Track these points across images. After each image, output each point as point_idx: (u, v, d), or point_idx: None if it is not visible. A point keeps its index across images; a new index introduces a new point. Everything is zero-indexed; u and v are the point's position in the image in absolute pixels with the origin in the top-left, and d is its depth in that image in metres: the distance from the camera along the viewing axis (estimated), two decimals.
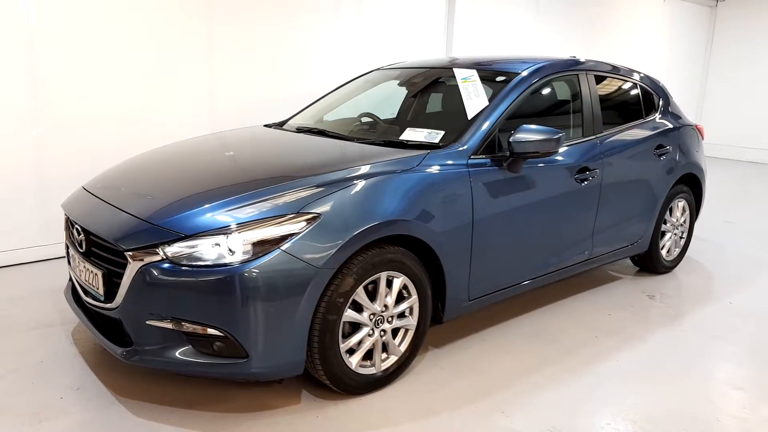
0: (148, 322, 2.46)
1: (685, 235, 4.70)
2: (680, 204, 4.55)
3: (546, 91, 3.69)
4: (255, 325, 2.40)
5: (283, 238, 2.42)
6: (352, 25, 5.85)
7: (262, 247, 2.39)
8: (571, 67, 3.76)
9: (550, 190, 3.39)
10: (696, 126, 4.71)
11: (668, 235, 4.52)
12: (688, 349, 3.41)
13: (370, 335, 2.74)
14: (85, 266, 2.74)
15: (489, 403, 2.77)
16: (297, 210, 2.48)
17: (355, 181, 2.66)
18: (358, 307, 2.68)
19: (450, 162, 2.98)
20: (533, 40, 7.74)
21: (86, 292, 2.79)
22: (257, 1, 5.15)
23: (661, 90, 4.52)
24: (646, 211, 4.16)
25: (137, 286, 2.44)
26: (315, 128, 3.63)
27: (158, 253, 2.41)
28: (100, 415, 2.57)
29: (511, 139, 3.10)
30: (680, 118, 4.57)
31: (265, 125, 3.95)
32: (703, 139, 4.79)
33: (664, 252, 4.53)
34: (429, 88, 4.01)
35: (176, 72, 4.78)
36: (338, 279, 2.54)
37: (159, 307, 2.44)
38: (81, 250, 2.76)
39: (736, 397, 2.94)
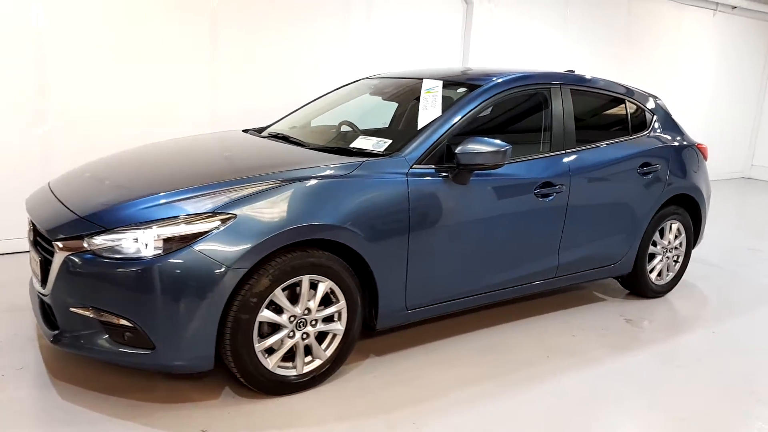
0: (71, 309, 2.60)
1: (680, 259, 4.49)
2: (674, 226, 4.35)
3: (511, 104, 3.64)
4: (162, 318, 2.49)
5: (196, 236, 2.51)
6: (361, 33, 5.93)
7: (173, 243, 2.49)
8: (541, 81, 3.69)
9: (504, 203, 3.34)
10: (697, 146, 4.50)
11: (658, 258, 4.34)
12: (643, 377, 3.26)
13: (290, 337, 2.78)
14: (32, 255, 2.93)
15: (404, 414, 2.75)
16: (213, 210, 2.57)
17: (281, 185, 2.72)
18: (278, 308, 2.73)
19: (388, 170, 2.99)
20: (560, 55, 7.58)
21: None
22: (262, 8, 5.30)
23: (657, 107, 4.35)
24: (628, 230, 4.01)
25: (62, 274, 2.58)
26: (281, 134, 3.72)
27: (83, 244, 2.55)
28: (30, 395, 2.73)
29: (456, 151, 3.08)
30: (679, 136, 4.39)
31: (243, 130, 4.07)
32: (706, 159, 4.57)
33: (653, 275, 4.35)
34: (414, 99, 4.01)
35: (179, 76, 4.99)
36: (253, 279, 2.60)
37: (80, 295, 2.57)
38: (30, 240, 2.95)
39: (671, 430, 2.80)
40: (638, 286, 4.32)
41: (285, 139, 3.61)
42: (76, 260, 2.54)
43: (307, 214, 2.70)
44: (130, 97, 4.80)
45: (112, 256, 2.51)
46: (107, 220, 2.57)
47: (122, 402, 2.72)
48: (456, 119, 3.26)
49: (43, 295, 2.77)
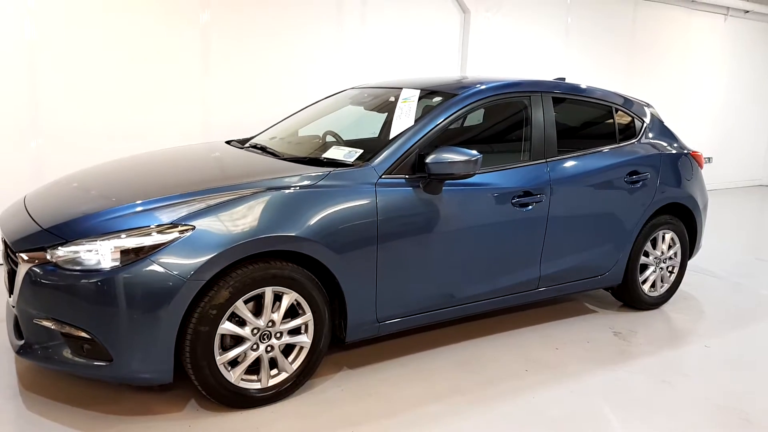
0: (35, 321, 2.61)
1: (675, 270, 4.37)
2: (667, 236, 4.25)
3: (489, 113, 3.59)
4: (118, 330, 2.49)
5: (153, 248, 2.50)
6: (355, 44, 5.94)
7: (130, 255, 2.49)
8: (521, 90, 3.63)
9: (478, 213, 3.28)
10: (692, 153, 4.39)
11: (651, 269, 4.23)
12: (623, 392, 3.16)
13: (253, 349, 2.75)
14: (3, 267, 2.96)
15: (370, 429, 2.70)
16: (172, 221, 2.56)
17: (243, 196, 2.70)
18: (241, 321, 2.71)
19: (355, 181, 2.97)
20: (561, 64, 7.49)
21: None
22: (254, 19, 5.33)
23: (647, 114, 4.26)
24: (615, 240, 3.92)
25: (26, 285, 2.60)
26: (259, 145, 3.72)
27: (46, 256, 2.56)
28: None
29: (427, 160, 3.05)
30: (672, 144, 4.29)
31: (226, 141, 4.07)
32: (701, 167, 4.46)
33: (646, 287, 4.24)
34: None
35: (171, 88, 5.04)
36: (212, 291, 2.59)
37: (42, 306, 2.59)
38: (2, 251, 2.98)
39: None
40: (630, 297, 4.22)
41: (263, 149, 3.60)
42: (39, 271, 2.55)
43: (267, 226, 2.68)
44: (122, 110, 4.86)
45: (72, 267, 2.52)
46: (68, 231, 2.59)
47: (86, 414, 2.72)
48: (428, 129, 3.22)
49: (12, 306, 2.79)
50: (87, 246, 2.52)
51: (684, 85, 8.98)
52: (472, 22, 6.45)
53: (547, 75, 7.18)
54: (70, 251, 2.53)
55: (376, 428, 2.71)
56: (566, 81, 4.22)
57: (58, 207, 2.87)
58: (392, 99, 3.85)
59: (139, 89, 4.91)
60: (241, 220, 2.65)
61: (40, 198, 3.08)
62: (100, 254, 2.50)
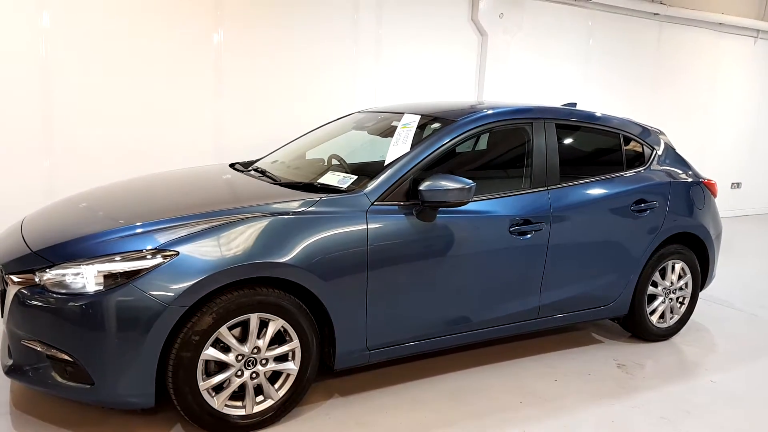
0: (23, 342, 2.64)
1: (686, 301, 4.24)
2: (677, 266, 4.13)
3: (487, 139, 3.55)
4: (100, 354, 2.50)
5: (136, 273, 2.52)
6: (371, 67, 5.94)
7: (113, 280, 2.51)
8: (522, 116, 3.58)
9: (473, 241, 3.24)
10: (705, 182, 4.27)
11: (660, 299, 4.11)
12: (618, 428, 3.07)
13: (238, 376, 2.74)
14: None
15: None
16: (157, 246, 2.58)
17: (230, 222, 2.71)
18: (226, 347, 2.70)
19: (346, 208, 2.95)
20: (580, 89, 7.38)
21: None
22: (267, 39, 5.36)
23: (656, 141, 4.17)
24: (621, 270, 3.82)
25: (14, 306, 2.63)
26: (260, 169, 3.73)
27: (35, 279, 2.60)
28: None
29: (420, 188, 3.02)
30: (684, 172, 4.18)
31: (230, 165, 4.10)
32: (715, 196, 4.33)
33: (654, 318, 4.12)
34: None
35: (185, 109, 5.11)
36: (195, 317, 2.59)
37: (29, 328, 2.62)
38: None
39: None
40: (637, 328, 4.10)
41: (263, 173, 3.62)
42: (27, 293, 2.59)
43: (253, 252, 2.67)
44: (135, 131, 4.93)
45: (59, 291, 2.55)
46: (56, 255, 2.62)
47: None
48: (424, 155, 3.20)
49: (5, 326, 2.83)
50: (73, 269, 2.55)
51: (712, 110, 8.77)
52: (490, 45, 6.42)
53: (566, 99, 7.11)
54: (57, 274, 2.56)
55: None
56: (577, 106, 4.16)
57: (49, 229, 2.91)
58: (395, 124, 3.84)
59: (152, 109, 4.98)
60: (227, 246, 2.65)
61: (36, 220, 3.13)
62: (85, 278, 2.52)
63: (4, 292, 2.79)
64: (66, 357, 2.54)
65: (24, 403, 2.95)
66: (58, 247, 2.66)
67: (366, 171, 3.29)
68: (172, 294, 2.51)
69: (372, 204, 3.01)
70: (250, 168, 3.85)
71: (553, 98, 7.05)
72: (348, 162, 3.84)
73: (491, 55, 6.47)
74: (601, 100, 7.48)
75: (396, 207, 3.05)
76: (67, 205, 3.27)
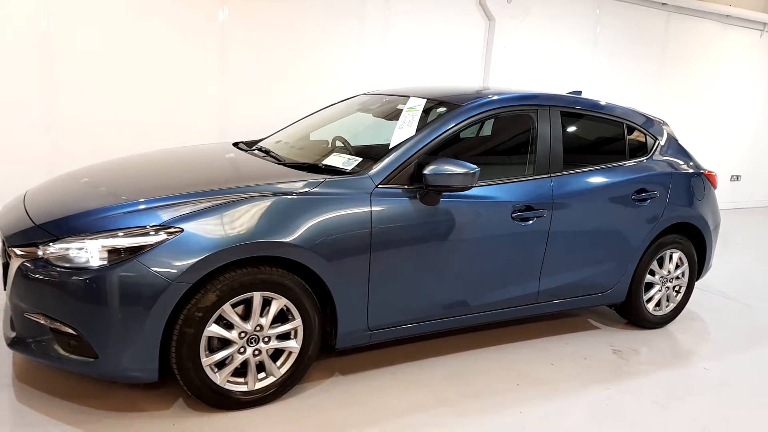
0: (25, 315, 2.66)
1: (682, 290, 4.29)
2: (675, 255, 4.16)
3: (492, 125, 3.55)
4: (104, 328, 2.53)
5: (141, 249, 2.53)
6: (377, 48, 5.92)
7: (117, 255, 2.53)
8: (528, 103, 3.59)
9: (475, 226, 3.26)
10: (705, 173, 4.29)
11: (656, 288, 4.15)
12: (611, 412, 3.12)
13: (240, 353, 2.77)
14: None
15: None
16: (161, 223, 2.59)
17: (234, 200, 2.72)
18: (229, 324, 2.73)
19: (350, 189, 2.97)
20: (588, 75, 7.38)
21: None
22: (273, 17, 5.34)
23: (658, 131, 4.18)
24: (619, 258, 3.86)
25: (17, 279, 2.65)
26: (264, 148, 3.74)
27: (38, 252, 2.61)
28: None
29: (425, 171, 3.03)
30: (685, 163, 4.20)
31: (233, 143, 4.10)
32: (715, 187, 4.36)
33: (651, 305, 4.16)
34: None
35: (189, 86, 5.10)
36: (199, 293, 2.61)
37: (32, 301, 2.63)
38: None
39: None
40: (634, 315, 4.15)
41: (267, 153, 3.62)
42: (30, 267, 2.60)
43: (256, 231, 2.69)
44: (137, 106, 4.92)
45: (62, 264, 2.56)
46: (59, 229, 2.63)
47: (73, 407, 2.77)
48: (429, 139, 3.21)
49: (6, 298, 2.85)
50: (77, 244, 2.56)
51: (718, 102, 8.77)
52: (497, 30, 6.39)
53: (572, 86, 7.11)
54: (61, 248, 2.57)
55: None
56: (582, 94, 4.16)
57: (52, 203, 2.92)
58: (400, 107, 3.84)
59: (155, 85, 4.97)
60: (230, 224, 2.67)
61: (39, 194, 3.13)
62: (89, 252, 2.54)
63: (7, 264, 2.81)
64: (70, 330, 2.56)
65: (26, 376, 2.98)
66: (62, 221, 2.67)
67: (370, 153, 3.30)
68: (176, 270, 2.53)
69: (376, 186, 3.02)
70: (254, 147, 3.86)
71: (558, 85, 7.05)
72: (352, 144, 3.85)
73: (498, 40, 6.44)
74: (607, 88, 7.48)
75: (400, 190, 3.07)
76: (69, 179, 3.27)
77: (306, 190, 2.89)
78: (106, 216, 2.64)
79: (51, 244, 2.59)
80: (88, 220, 2.63)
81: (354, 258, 2.93)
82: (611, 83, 7.59)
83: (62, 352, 2.63)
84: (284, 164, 3.29)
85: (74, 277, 2.52)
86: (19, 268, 2.63)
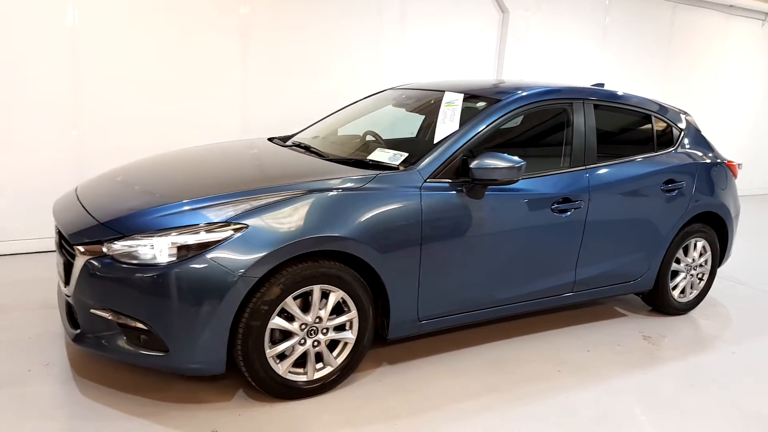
0: (91, 311, 2.72)
1: (705, 277, 4.42)
2: (699, 244, 4.29)
3: (532, 119, 3.64)
4: (175, 322, 2.60)
5: (209, 245, 2.60)
6: (395, 45, 5.98)
7: (187, 251, 2.59)
8: (564, 96, 3.68)
9: (519, 218, 3.35)
10: (727, 163, 4.42)
11: (682, 275, 4.28)
12: (652, 395, 3.24)
13: (301, 344, 2.85)
14: (58, 257, 3.07)
15: (409, 423, 2.81)
16: (227, 219, 2.66)
17: (294, 196, 2.80)
18: (290, 316, 2.81)
19: (401, 184, 3.04)
20: (597, 67, 7.49)
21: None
22: (293, 16, 5.39)
23: (684, 123, 4.29)
24: (649, 247, 3.97)
25: (83, 277, 2.71)
26: (303, 144, 3.80)
27: (103, 249, 2.67)
28: (53, 389, 2.88)
29: (471, 166, 3.11)
30: (707, 153, 4.32)
31: (269, 138, 4.17)
32: (735, 177, 4.48)
33: (676, 293, 4.29)
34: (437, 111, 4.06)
35: (212, 81, 5.14)
36: (264, 287, 2.69)
37: (99, 298, 2.69)
38: (56, 242, 3.10)
39: None
40: (660, 302, 4.27)
41: (307, 149, 3.69)
42: (96, 264, 2.66)
43: (317, 226, 2.77)
44: (161, 100, 4.96)
45: (129, 261, 2.62)
46: (125, 226, 2.69)
47: (138, 400, 2.84)
48: (473, 134, 3.29)
49: (67, 295, 2.90)
50: (144, 241, 2.62)
51: (720, 90, 8.94)
52: (511, 23, 6.46)
53: (583, 78, 7.22)
54: (127, 245, 2.63)
55: (418, 422, 2.81)
56: (605, 87, 4.25)
57: (112, 201, 2.97)
58: (432, 101, 3.93)
59: (179, 79, 5.01)
60: (292, 219, 2.74)
61: (93, 191, 3.18)
62: (156, 249, 2.60)
63: (68, 262, 2.87)
64: (140, 325, 2.63)
65: (85, 371, 3.04)
66: (126, 218, 2.72)
67: (401, 148, 3.37)
68: (244, 265, 2.60)
69: (425, 181, 3.10)
70: (290, 143, 3.92)
71: (569, 75, 7.14)
72: (384, 138, 3.93)
73: (512, 32, 6.52)
74: (615, 78, 7.58)
75: (447, 184, 3.15)
76: (121, 176, 3.32)
77: (361, 185, 2.96)
78: (171, 213, 2.70)
79: (116, 241, 2.65)
80: (153, 217, 2.69)
81: (405, 251, 3.02)
82: (620, 73, 7.71)
83: (130, 347, 2.70)
84: (331, 160, 3.36)
85: (143, 274, 2.58)
86: (84, 265, 2.69)
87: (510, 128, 3.58)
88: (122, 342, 2.71)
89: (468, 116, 3.40)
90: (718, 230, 4.40)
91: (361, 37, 5.80)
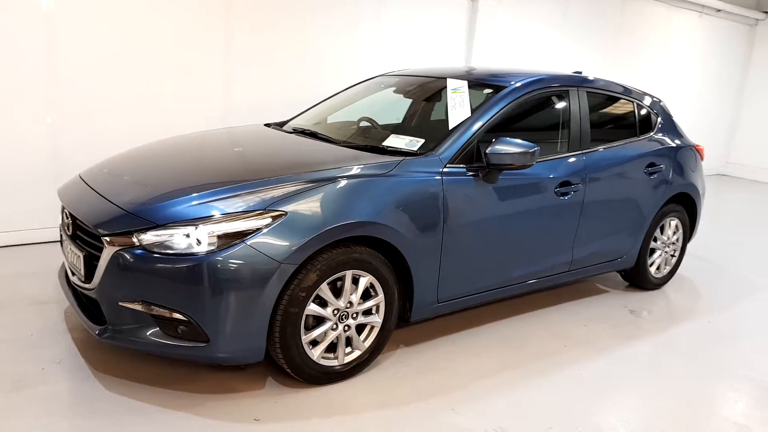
0: (120, 303, 2.64)
1: (677, 254, 4.72)
2: (673, 223, 4.57)
3: (534, 105, 3.77)
4: (216, 312, 2.56)
5: (249, 233, 2.57)
6: (370, 32, 5.99)
7: (227, 239, 2.55)
8: (561, 83, 3.83)
9: (527, 202, 3.48)
10: (696, 147, 4.71)
11: (658, 253, 4.55)
12: (653, 364, 3.47)
13: (333, 329, 2.87)
14: (71, 249, 2.94)
15: (442, 401, 2.89)
16: (264, 207, 2.64)
17: (325, 183, 2.80)
18: (322, 302, 2.82)
19: (424, 169, 3.10)
20: (557, 52, 7.78)
21: (73, 273, 3.00)
22: (277, 5, 5.31)
23: (660, 109, 4.55)
24: (633, 227, 4.21)
25: (111, 269, 2.62)
26: (309, 130, 3.78)
27: (133, 240, 2.59)
28: (75, 387, 2.77)
29: (487, 151, 3.20)
30: (679, 137, 4.59)
31: (265, 124, 4.11)
32: (702, 159, 4.79)
33: (653, 269, 4.56)
34: (432, 97, 4.14)
35: (192, 69, 4.99)
36: (301, 274, 2.68)
37: (130, 290, 2.61)
38: (69, 233, 2.97)
39: (683, 414, 2.99)
40: (639, 279, 4.53)
41: (313, 135, 3.67)
42: (126, 256, 2.58)
43: (352, 212, 2.79)
44: (140, 87, 4.78)
45: (163, 251, 2.56)
46: (158, 216, 2.61)
47: (168, 393, 2.78)
48: (485, 119, 3.38)
49: (87, 289, 2.80)
50: (180, 230, 2.56)
51: (662, 76, 9.48)
52: (480, 10, 6.61)
53: (546, 60, 7.49)
54: (161, 235, 2.56)
55: (448, 400, 2.90)
56: (582, 74, 4.44)
57: (134, 189, 2.88)
58: (426, 86, 4.02)
59: (158, 68, 4.83)
60: (328, 205, 2.75)
61: (109, 178, 3.07)
62: (194, 238, 2.55)
63: (88, 255, 2.76)
64: (179, 316, 2.57)
65: (104, 366, 2.94)
66: (160, 208, 2.64)
67: (398, 132, 3.47)
68: (285, 252, 2.59)
69: (444, 166, 3.17)
70: (293, 129, 3.88)
71: (532, 59, 7.40)
72: (380, 124, 3.98)
73: (480, 20, 6.66)
74: (573, 64, 7.90)
75: (464, 169, 3.23)
76: (135, 162, 3.22)
77: (386, 171, 3.00)
78: (205, 201, 2.64)
79: (148, 231, 2.58)
80: (188, 206, 2.63)
81: (429, 234, 3.08)
82: (576, 59, 8.04)
83: (166, 339, 2.63)
84: (348, 146, 3.36)
85: (182, 264, 2.53)
86: (113, 256, 2.60)
87: (513, 115, 3.69)
88: (156, 334, 2.65)
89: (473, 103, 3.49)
90: (687, 209, 4.69)
91: (337, 22, 5.77)
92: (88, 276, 2.77)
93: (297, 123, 4.07)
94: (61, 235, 3.22)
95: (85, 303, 2.94)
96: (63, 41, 4.40)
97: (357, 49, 5.93)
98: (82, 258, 2.80)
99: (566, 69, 7.37)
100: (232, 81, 5.21)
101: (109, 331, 2.71)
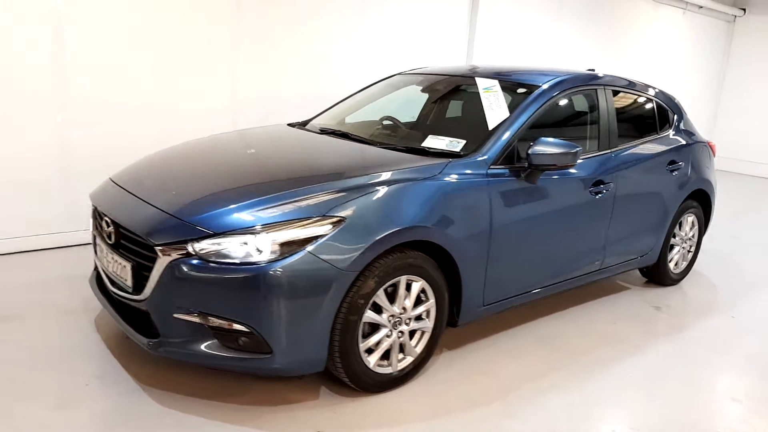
0: (175, 315, 2.55)
1: (693, 249, 4.78)
2: (690, 219, 4.63)
3: (565, 104, 3.76)
4: (279, 322, 2.48)
5: (309, 240, 2.51)
6: (376, 29, 5.93)
7: (288, 247, 2.48)
8: (590, 82, 3.84)
9: (565, 201, 3.47)
10: (708, 143, 4.78)
11: (677, 249, 4.61)
12: (689, 360, 3.50)
13: (388, 336, 2.82)
14: (113, 257, 2.83)
15: (495, 406, 2.87)
16: (323, 213, 2.57)
17: (378, 187, 2.75)
18: (377, 309, 2.77)
19: (470, 171, 3.06)
20: (554, 45, 7.83)
21: (113, 283, 2.88)
22: (284, 4, 5.22)
23: (675, 106, 4.59)
24: (657, 224, 4.24)
25: (166, 280, 2.52)
26: (338, 130, 3.71)
27: (187, 249, 2.50)
28: (125, 402, 2.67)
29: (529, 151, 3.18)
30: (693, 134, 4.65)
31: (288, 124, 4.03)
32: (714, 156, 4.86)
33: (671, 265, 4.61)
34: (449, 95, 4.10)
35: (200, 66, 4.87)
36: (360, 281, 2.63)
37: (186, 301, 2.52)
38: (110, 242, 2.85)
39: (734, 409, 3.03)
40: (659, 275, 4.58)
41: (344, 135, 3.60)
42: (182, 266, 2.49)
43: (408, 217, 2.74)
44: (148, 84, 4.64)
45: (220, 260, 2.47)
46: (214, 224, 2.53)
47: (220, 405, 2.70)
48: (523, 119, 3.36)
49: (136, 301, 2.69)
50: (238, 238, 2.48)
51: (647, 71, 9.61)
52: (481, 4, 6.60)
53: (544, 52, 7.53)
54: (216, 243, 2.48)
55: (502, 405, 2.88)
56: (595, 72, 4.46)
57: (182, 195, 2.77)
58: (438, 85, 4.01)
59: (166, 65, 4.70)
60: (384, 210, 2.70)
61: (150, 183, 2.96)
62: (252, 246, 2.47)
63: (137, 265, 2.66)
64: (240, 327, 2.49)
65: (150, 380, 2.84)
66: (216, 216, 2.55)
67: (420, 131, 3.48)
68: (346, 259, 2.53)
69: (489, 167, 3.14)
70: (321, 129, 3.80)
71: (532, 51, 7.43)
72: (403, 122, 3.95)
73: (482, 14, 6.66)
74: (572, 60, 7.98)
75: (507, 170, 3.21)
76: (173, 165, 3.11)
77: (434, 174, 2.95)
78: (263, 209, 2.56)
79: (204, 240, 2.49)
80: (246, 213, 2.55)
81: (477, 236, 3.05)
82: (572, 53, 8.11)
83: (225, 351, 2.55)
84: (388, 148, 3.31)
85: (242, 273, 2.45)
86: (168, 267, 2.51)
87: (547, 114, 3.68)
88: (212, 346, 2.56)
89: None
90: (702, 205, 4.76)
91: (344, 19, 5.69)
92: (137, 287, 2.67)
93: (321, 123, 3.99)
94: (94, 242, 3.10)
95: (125, 313, 2.83)
96: (72, 39, 4.24)
97: (361, 48, 5.86)
98: (129, 268, 2.69)
99: (564, 64, 7.49)
100: (240, 78, 5.10)
101: (162, 344, 2.61)
